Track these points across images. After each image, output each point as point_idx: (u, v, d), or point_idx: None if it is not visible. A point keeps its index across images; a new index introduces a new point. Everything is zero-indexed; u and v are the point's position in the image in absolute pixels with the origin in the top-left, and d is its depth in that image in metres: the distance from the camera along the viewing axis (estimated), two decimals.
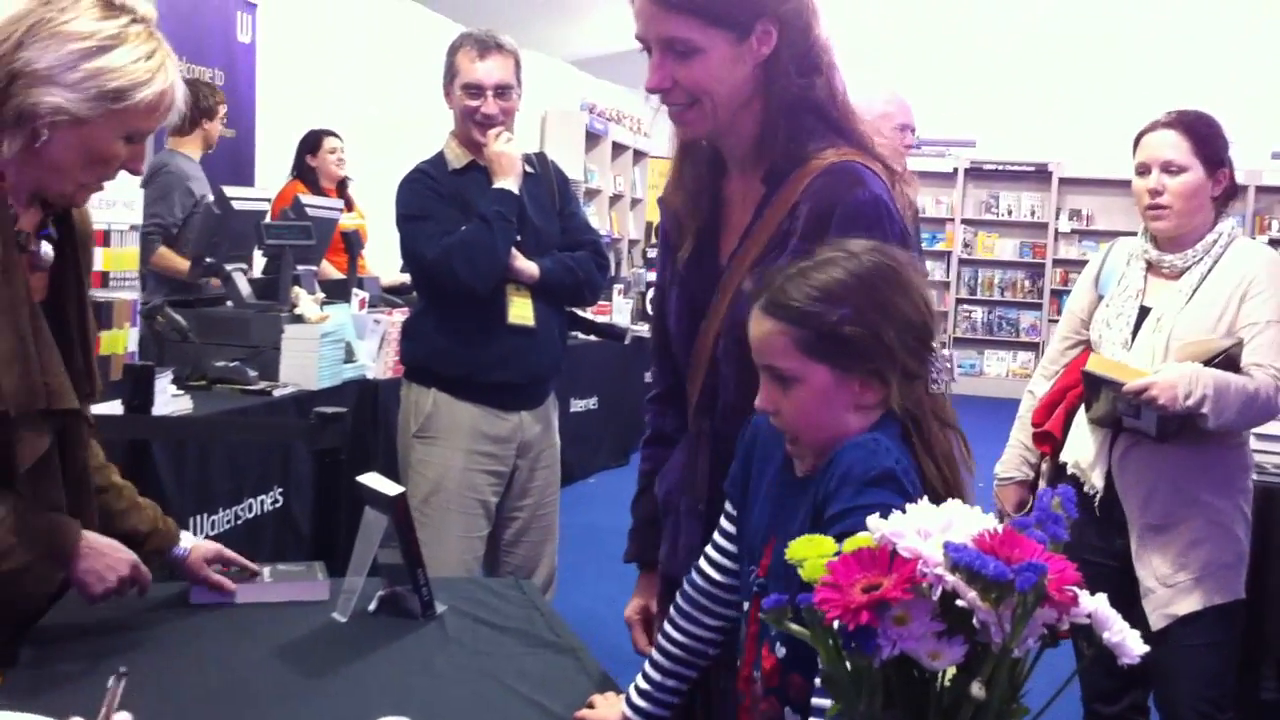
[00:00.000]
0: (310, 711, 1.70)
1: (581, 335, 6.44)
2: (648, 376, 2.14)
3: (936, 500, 1.42)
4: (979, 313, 13.01)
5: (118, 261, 3.72)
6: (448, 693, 1.78)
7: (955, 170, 12.64)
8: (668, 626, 1.69)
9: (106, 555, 1.88)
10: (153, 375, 3.14)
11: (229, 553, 2.14)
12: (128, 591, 1.90)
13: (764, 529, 1.58)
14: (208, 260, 4.15)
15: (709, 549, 1.68)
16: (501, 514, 3.36)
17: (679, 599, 1.70)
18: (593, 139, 11.14)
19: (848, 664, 1.00)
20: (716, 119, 1.76)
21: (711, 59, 1.71)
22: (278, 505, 3.81)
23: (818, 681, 1.32)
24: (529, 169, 3.32)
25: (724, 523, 1.67)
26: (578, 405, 6.98)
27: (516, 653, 1.95)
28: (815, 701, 1.32)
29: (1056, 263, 12.60)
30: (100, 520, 1.97)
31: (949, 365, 1.54)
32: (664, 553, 1.95)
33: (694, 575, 1.69)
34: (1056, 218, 12.61)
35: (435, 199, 3.24)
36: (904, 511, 1.34)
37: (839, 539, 1.32)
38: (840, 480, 1.40)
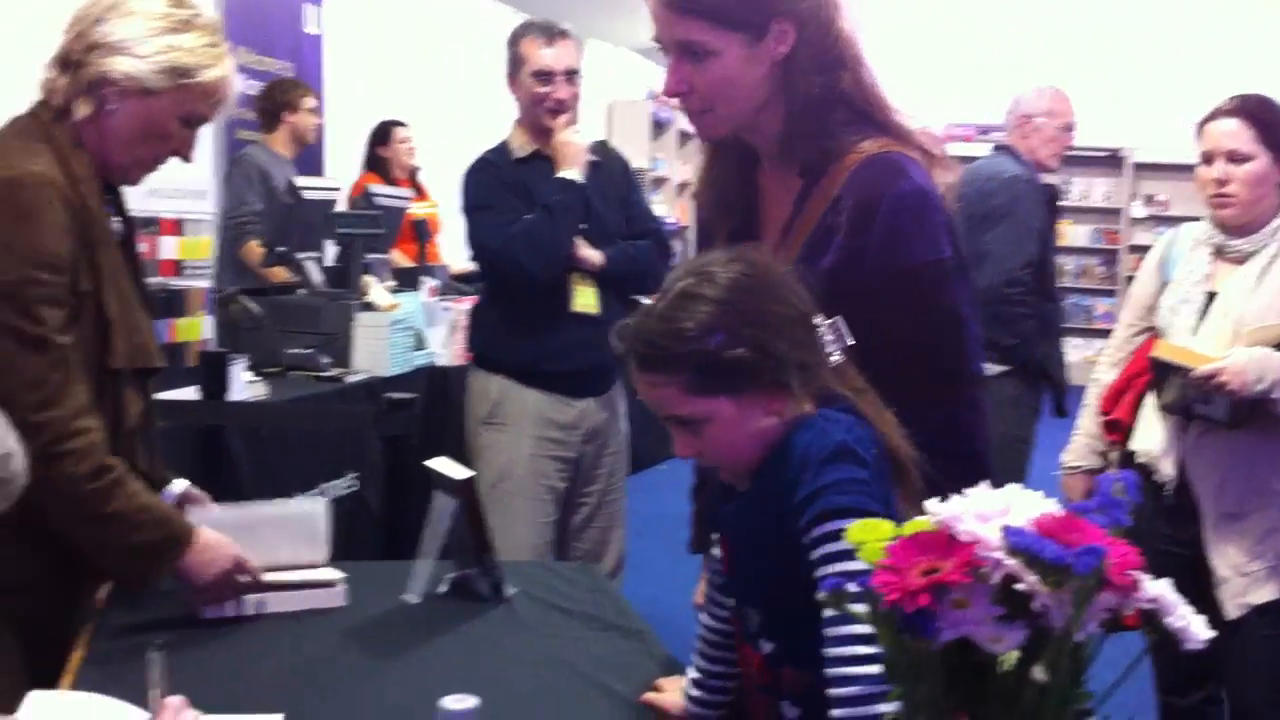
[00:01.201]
0: (381, 690, 1.73)
1: None
2: None
3: (892, 463, 1.43)
4: None
5: (191, 250, 3.80)
6: (516, 674, 1.81)
7: None
8: (703, 614, 1.70)
9: (212, 548, 1.93)
10: (228, 362, 3.21)
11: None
12: (238, 584, 1.94)
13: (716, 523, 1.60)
14: (280, 249, 4.23)
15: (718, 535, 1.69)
16: (569, 500, 3.39)
17: (707, 585, 1.71)
18: (659, 127, 11.13)
19: (906, 648, 1.01)
20: (734, 121, 1.74)
21: (726, 61, 1.68)
22: (352, 490, 3.87)
23: (831, 672, 1.32)
24: (593, 158, 3.34)
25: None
26: None
27: (584, 636, 1.97)
28: (834, 692, 1.32)
29: (1131, 249, 12.40)
30: None
31: (836, 332, 1.49)
32: None
33: (713, 561, 1.69)
34: (1130, 204, 12.40)
35: (499, 188, 3.27)
36: (867, 481, 1.37)
37: (815, 522, 1.33)
38: (799, 466, 1.40)
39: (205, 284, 3.85)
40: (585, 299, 3.28)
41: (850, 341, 1.50)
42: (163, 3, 1.89)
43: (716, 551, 1.65)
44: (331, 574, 2.07)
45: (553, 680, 1.78)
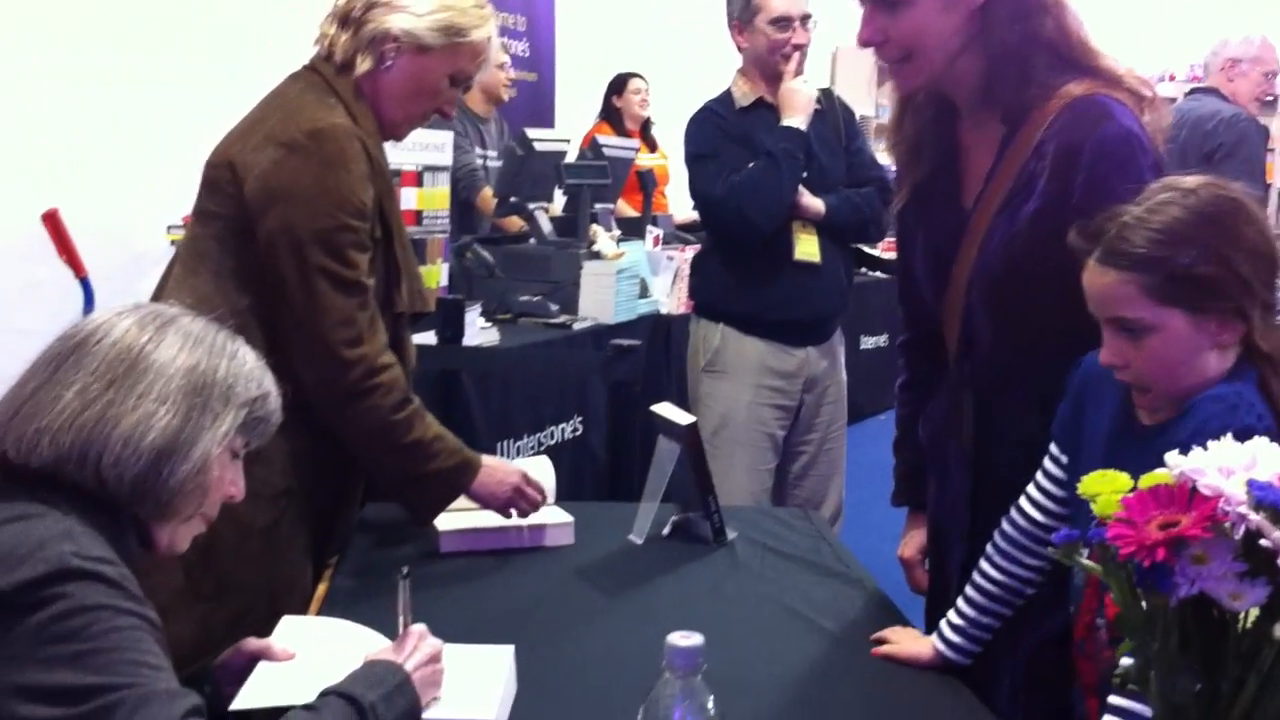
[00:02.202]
0: (607, 626, 1.80)
1: (870, 272, 6.40)
2: None
3: None
4: None
5: (430, 201, 3.92)
6: (737, 614, 1.84)
7: None
8: (984, 564, 1.68)
9: (500, 468, 2.06)
10: (463, 308, 3.33)
11: None
12: (528, 497, 2.06)
13: None
14: (512, 199, 4.34)
15: (1031, 489, 1.65)
16: (788, 448, 3.40)
17: (997, 538, 1.68)
18: (883, 74, 10.88)
19: (1142, 602, 0.99)
20: (931, 70, 1.73)
21: (920, 9, 1.67)
22: (577, 434, 3.98)
23: None
24: (815, 105, 3.31)
25: (1048, 464, 1.64)
26: (867, 343, 6.91)
27: (804, 580, 1.99)
28: None
29: None
30: None
31: None
32: (932, 496, 1.93)
33: (1014, 514, 1.66)
34: None
35: (722, 137, 3.27)
36: None
37: None
38: (1195, 434, 1.34)
39: (443, 234, 3.99)
40: (807, 247, 3.26)
41: None
42: None
43: (1029, 507, 1.63)
44: (560, 514, 2.15)
45: (773, 622, 1.81)
